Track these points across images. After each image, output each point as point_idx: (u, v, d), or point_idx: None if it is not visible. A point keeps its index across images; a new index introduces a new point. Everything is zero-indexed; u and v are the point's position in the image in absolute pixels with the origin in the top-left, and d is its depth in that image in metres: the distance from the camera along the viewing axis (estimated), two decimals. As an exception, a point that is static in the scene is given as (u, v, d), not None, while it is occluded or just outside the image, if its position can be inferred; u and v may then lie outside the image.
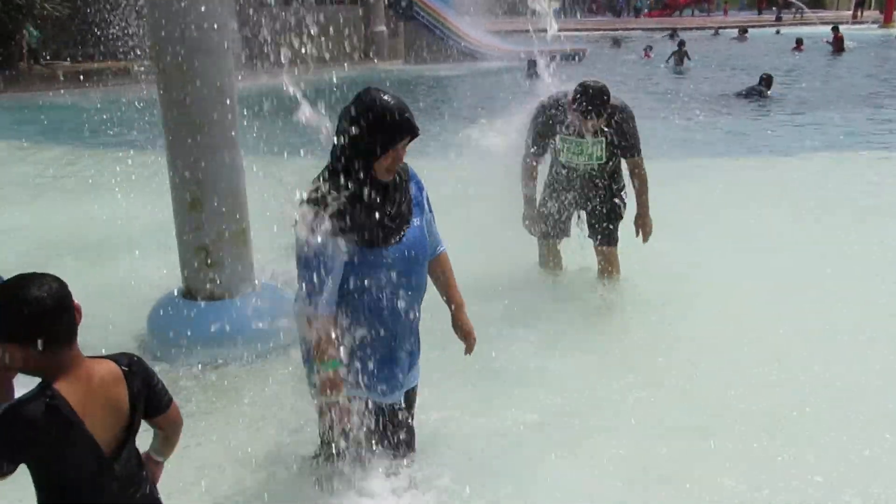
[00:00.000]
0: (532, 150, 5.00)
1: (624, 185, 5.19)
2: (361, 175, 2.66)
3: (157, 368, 4.19)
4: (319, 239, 2.60)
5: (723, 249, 6.22)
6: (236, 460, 3.52)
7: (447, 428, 3.76)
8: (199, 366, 4.35)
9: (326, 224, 2.61)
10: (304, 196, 2.65)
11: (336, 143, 2.68)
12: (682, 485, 3.36)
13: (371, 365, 2.83)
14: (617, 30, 39.58)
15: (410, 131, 2.69)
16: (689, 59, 22.70)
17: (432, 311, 3.14)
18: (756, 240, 6.51)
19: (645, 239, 5.20)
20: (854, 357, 4.50)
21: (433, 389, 3.61)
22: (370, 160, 2.66)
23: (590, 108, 4.61)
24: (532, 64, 20.15)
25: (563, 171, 5.08)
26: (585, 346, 4.67)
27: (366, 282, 2.72)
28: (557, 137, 4.92)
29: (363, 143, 2.63)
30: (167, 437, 2.41)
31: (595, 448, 3.66)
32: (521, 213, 5.31)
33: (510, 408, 3.99)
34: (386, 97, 2.65)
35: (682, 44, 23.32)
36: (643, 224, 5.15)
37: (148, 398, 2.22)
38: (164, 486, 2.44)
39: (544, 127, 4.90)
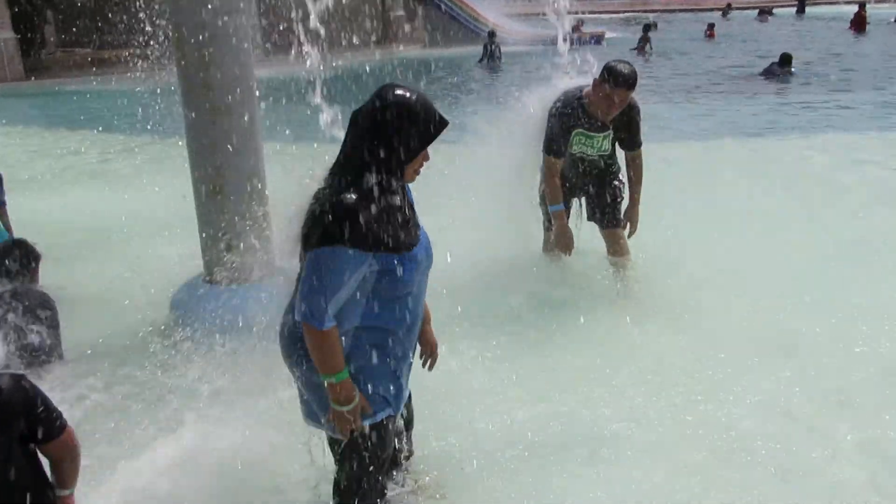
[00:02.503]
0: (553, 148, 4.96)
1: (620, 168, 5.22)
2: (393, 179, 2.51)
3: (180, 349, 4.36)
4: (349, 253, 2.42)
5: (732, 232, 6.21)
6: (244, 446, 3.52)
7: (453, 422, 3.75)
8: (220, 350, 4.38)
9: (355, 236, 2.41)
10: (327, 205, 2.43)
11: (358, 146, 2.48)
12: (707, 481, 3.36)
13: (392, 380, 2.74)
14: (637, 11, 39.23)
15: (443, 125, 2.52)
16: (650, 49, 22.12)
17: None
18: (769, 223, 6.49)
19: (632, 231, 5.21)
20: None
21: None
22: (405, 162, 2.51)
23: (628, 80, 4.63)
24: (486, 46, 19.90)
25: (569, 161, 5.09)
26: (598, 333, 4.70)
27: (390, 292, 2.59)
28: (573, 133, 4.94)
29: (399, 145, 2.46)
30: (62, 465, 2.36)
31: (613, 444, 3.64)
32: (545, 234, 5.30)
33: (524, 404, 3.99)
34: (412, 94, 2.48)
35: (647, 28, 22.81)
36: (632, 216, 5.17)
37: (30, 424, 2.20)
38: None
39: (563, 126, 4.91)
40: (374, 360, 2.66)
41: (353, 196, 2.43)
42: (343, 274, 2.45)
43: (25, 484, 2.24)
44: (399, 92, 2.47)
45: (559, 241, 5.16)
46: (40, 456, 2.39)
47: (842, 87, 14.99)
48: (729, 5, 35.70)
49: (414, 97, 2.48)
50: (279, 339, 2.76)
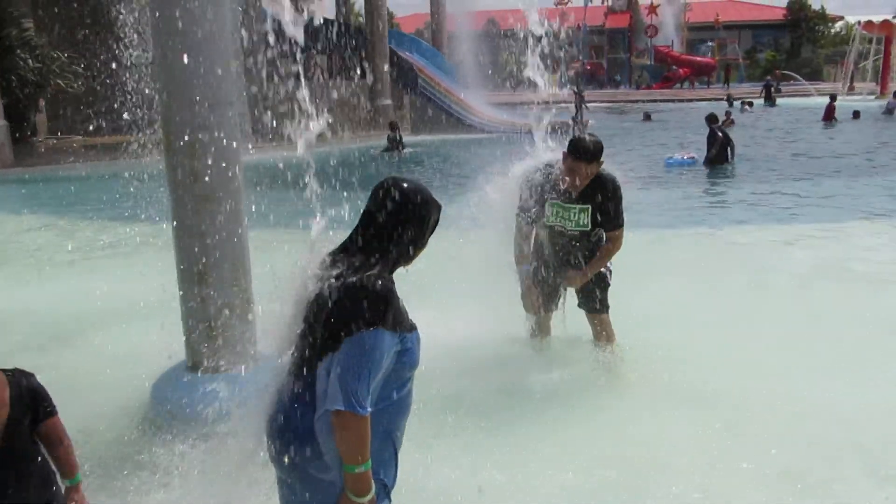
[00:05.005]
0: (525, 214, 5.11)
1: None
2: (405, 265, 2.68)
3: (160, 440, 4.26)
4: (387, 335, 2.48)
5: (706, 316, 6.29)
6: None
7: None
8: (202, 438, 4.29)
9: (391, 319, 2.50)
10: (361, 290, 2.48)
11: (376, 236, 2.61)
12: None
13: (393, 467, 2.72)
14: (619, 101, 40.33)
15: (440, 210, 2.72)
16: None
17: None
18: (740, 308, 6.61)
19: (566, 285, 5.24)
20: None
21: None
22: (419, 249, 2.69)
23: (586, 151, 4.81)
24: (393, 133, 20.68)
25: (548, 238, 5.17)
26: (583, 418, 4.66)
27: (403, 373, 2.63)
28: (546, 203, 5.05)
29: (414, 235, 2.63)
30: (61, 448, 2.80)
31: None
32: (519, 291, 5.34)
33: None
34: (420, 184, 2.67)
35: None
36: (577, 275, 5.15)
37: (34, 400, 2.70)
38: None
39: (534, 192, 5.06)
40: (382, 445, 2.63)
41: (383, 280, 2.53)
42: (383, 356, 2.48)
43: (49, 469, 2.75)
44: (408, 186, 2.64)
45: (525, 301, 5.25)
46: None
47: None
48: (730, 95, 36.77)
49: (423, 190, 2.66)
50: (276, 435, 2.65)
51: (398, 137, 20.91)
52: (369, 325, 2.44)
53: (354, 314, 2.45)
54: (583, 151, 4.81)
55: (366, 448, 2.47)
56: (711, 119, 16.38)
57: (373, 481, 2.54)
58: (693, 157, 16.64)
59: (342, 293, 2.50)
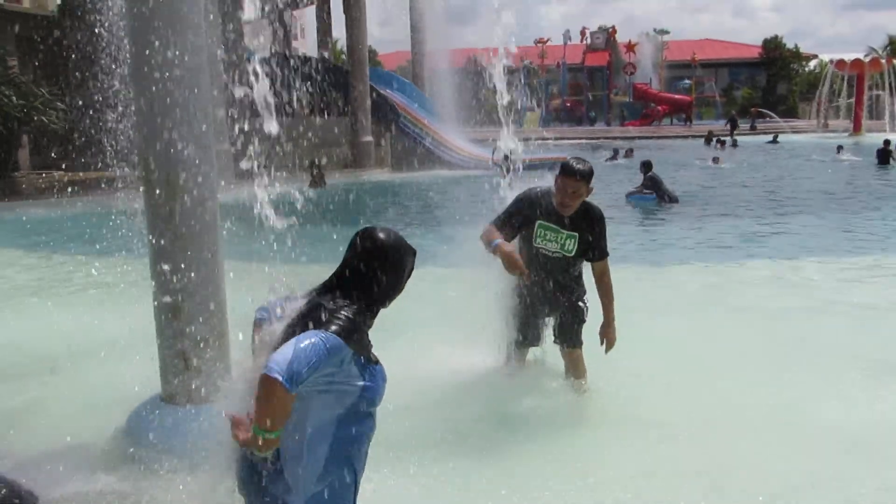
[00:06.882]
0: (499, 222, 5.10)
1: (586, 291, 5.41)
2: (382, 308, 2.83)
3: (134, 471, 4.29)
4: (347, 354, 2.60)
5: (666, 349, 6.42)
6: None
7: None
8: (175, 469, 4.33)
9: (358, 344, 2.64)
10: (350, 311, 2.67)
11: (357, 282, 2.75)
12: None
13: (353, 497, 2.82)
14: (599, 139, 40.79)
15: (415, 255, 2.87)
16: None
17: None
18: (693, 343, 6.73)
19: (608, 348, 5.30)
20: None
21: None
22: (396, 294, 2.84)
23: (576, 171, 4.93)
24: (313, 164, 20.60)
25: (528, 259, 5.14)
26: (557, 450, 4.74)
27: (368, 405, 2.73)
28: (536, 223, 5.12)
29: (394, 281, 2.79)
30: None
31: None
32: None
33: None
34: (395, 233, 2.83)
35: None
36: (608, 334, 5.27)
37: None
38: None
39: (524, 207, 5.12)
40: (344, 472, 2.72)
41: (354, 315, 2.66)
42: (328, 366, 2.55)
43: None
44: (384, 235, 2.79)
45: (507, 266, 4.89)
46: None
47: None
48: (710, 132, 37.66)
49: (398, 239, 2.81)
50: (243, 460, 2.77)
51: (316, 171, 20.74)
52: (340, 333, 2.58)
53: (337, 318, 2.61)
54: (573, 170, 4.92)
55: (280, 420, 2.54)
56: (646, 166, 17.59)
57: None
58: (653, 193, 17.18)
59: (314, 316, 2.63)
